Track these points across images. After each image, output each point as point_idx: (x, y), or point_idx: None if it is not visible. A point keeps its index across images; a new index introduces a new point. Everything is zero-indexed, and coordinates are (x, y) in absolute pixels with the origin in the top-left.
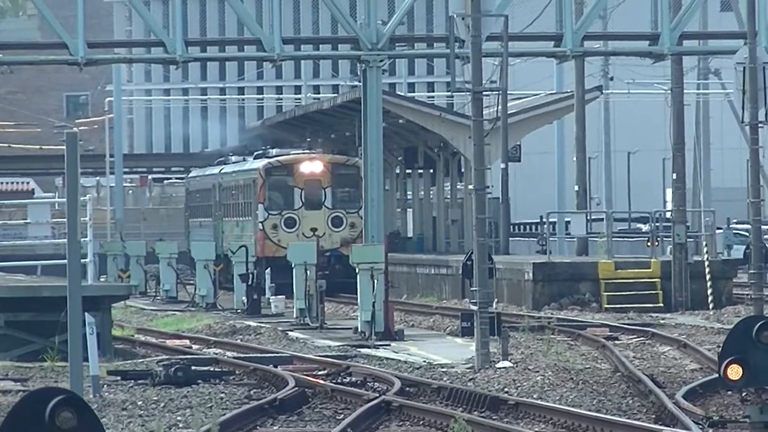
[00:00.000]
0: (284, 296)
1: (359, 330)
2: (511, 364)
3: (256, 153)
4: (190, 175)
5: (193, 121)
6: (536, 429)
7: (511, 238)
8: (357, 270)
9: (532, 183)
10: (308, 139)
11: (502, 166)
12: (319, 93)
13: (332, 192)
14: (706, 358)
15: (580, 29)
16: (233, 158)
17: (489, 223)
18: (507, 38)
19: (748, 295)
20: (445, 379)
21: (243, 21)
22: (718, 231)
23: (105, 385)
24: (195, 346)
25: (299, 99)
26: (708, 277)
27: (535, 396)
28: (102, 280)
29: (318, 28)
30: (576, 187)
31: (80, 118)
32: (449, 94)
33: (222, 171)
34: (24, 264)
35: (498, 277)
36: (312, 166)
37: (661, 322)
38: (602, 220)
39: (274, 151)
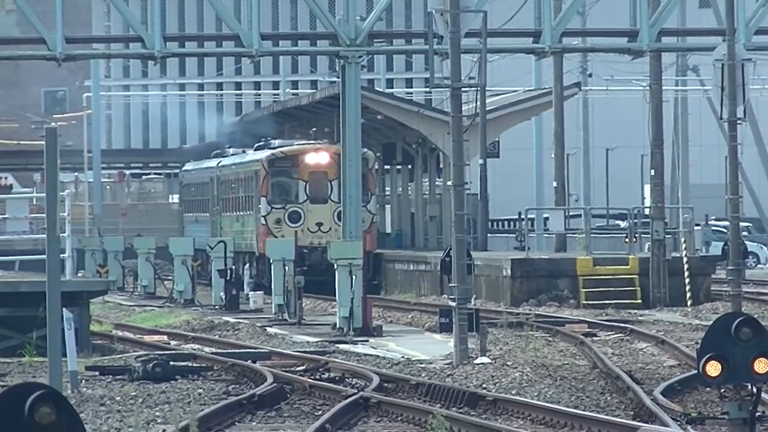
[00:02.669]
0: (262, 292)
1: (337, 326)
2: (490, 361)
3: (257, 144)
4: (184, 168)
5: (171, 117)
6: (514, 425)
7: (489, 235)
8: (335, 266)
9: (510, 179)
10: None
11: (481, 162)
12: (297, 89)
13: (339, 185)
14: (685, 355)
15: (558, 26)
16: (231, 150)
17: (467, 220)
18: (486, 34)
19: (726, 291)
20: (423, 375)
21: (221, 17)
22: (696, 227)
23: (83, 381)
24: (173, 342)
25: (277, 95)
26: (686, 273)
27: (513, 392)
28: (80, 275)
29: (296, 23)
30: (554, 184)
31: (58, 114)
32: (428, 90)
33: (220, 164)
34: (2, 259)
35: (476, 273)
36: (317, 157)
37: (640, 318)
38: (580, 216)
39: (276, 142)
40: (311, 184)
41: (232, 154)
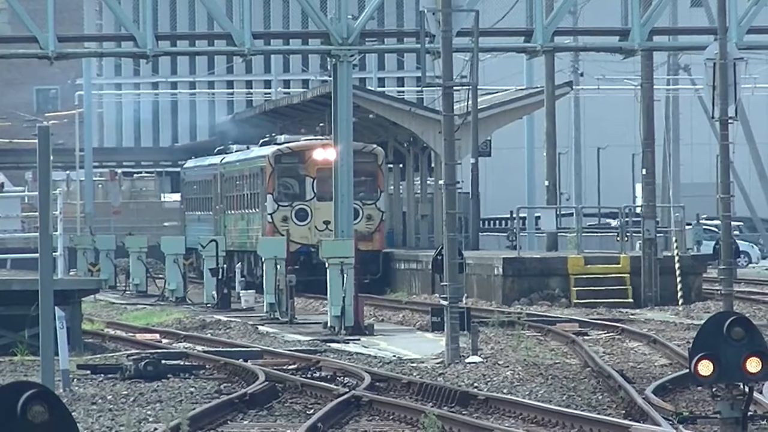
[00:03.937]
0: (254, 291)
1: (329, 325)
2: (481, 359)
3: (262, 140)
4: (185, 165)
5: (163, 116)
6: (506, 424)
7: (480, 234)
8: (327, 265)
9: (502, 178)
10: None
11: (472, 161)
12: (289, 88)
13: None
14: (676, 354)
15: (550, 25)
16: (235, 147)
17: (459, 218)
18: (478, 33)
19: (717, 290)
20: (415, 374)
21: (213, 15)
22: (687, 227)
23: (75, 379)
24: (165, 341)
25: (269, 94)
26: (677, 272)
27: (504, 391)
28: (72, 274)
29: (288, 22)
30: (546, 183)
31: (50, 112)
32: (419, 88)
33: (224, 160)
34: None
35: (468, 272)
36: (325, 153)
37: (631, 317)
38: (572, 215)
39: (282, 137)
40: (319, 181)
41: (236, 151)
